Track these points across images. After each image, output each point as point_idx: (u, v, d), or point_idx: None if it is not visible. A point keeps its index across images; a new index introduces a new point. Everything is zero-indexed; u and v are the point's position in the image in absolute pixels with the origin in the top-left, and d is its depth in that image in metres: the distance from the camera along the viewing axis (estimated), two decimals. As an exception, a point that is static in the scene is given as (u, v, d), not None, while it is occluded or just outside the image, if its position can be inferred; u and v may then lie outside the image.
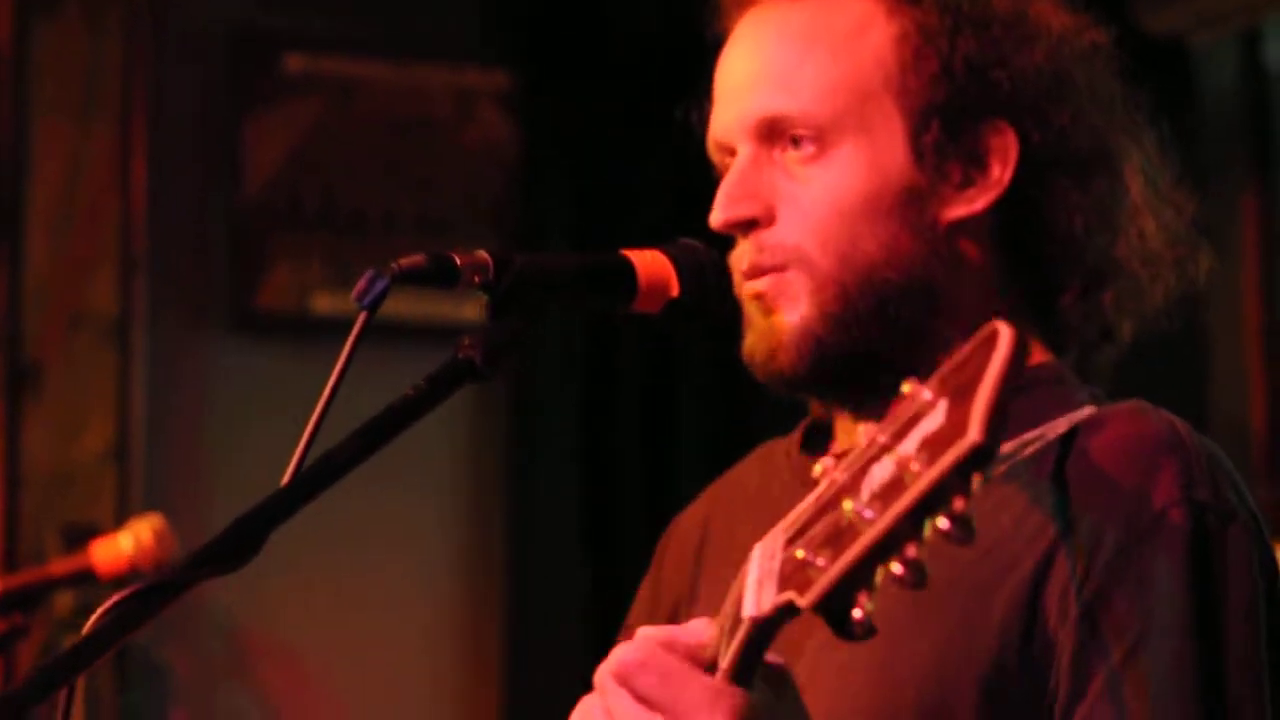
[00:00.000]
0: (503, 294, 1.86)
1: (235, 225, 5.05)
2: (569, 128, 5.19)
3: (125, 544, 3.21)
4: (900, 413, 1.45)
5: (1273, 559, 1.84)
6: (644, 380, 5.17)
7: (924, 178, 1.96)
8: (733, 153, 2.03)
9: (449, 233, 5.19)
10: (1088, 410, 1.90)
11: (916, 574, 1.41)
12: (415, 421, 1.84)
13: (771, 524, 1.72)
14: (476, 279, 1.86)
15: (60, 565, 3.26)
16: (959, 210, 1.97)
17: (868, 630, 1.46)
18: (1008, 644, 1.81)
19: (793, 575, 1.53)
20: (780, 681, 1.68)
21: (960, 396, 1.38)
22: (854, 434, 2.04)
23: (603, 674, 1.68)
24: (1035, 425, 1.87)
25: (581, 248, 1.90)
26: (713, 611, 1.72)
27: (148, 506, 4.68)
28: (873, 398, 1.99)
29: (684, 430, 5.18)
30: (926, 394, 1.42)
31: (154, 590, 1.73)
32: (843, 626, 1.48)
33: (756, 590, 1.59)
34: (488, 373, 1.84)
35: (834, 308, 1.95)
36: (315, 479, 1.80)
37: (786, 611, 1.55)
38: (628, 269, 1.94)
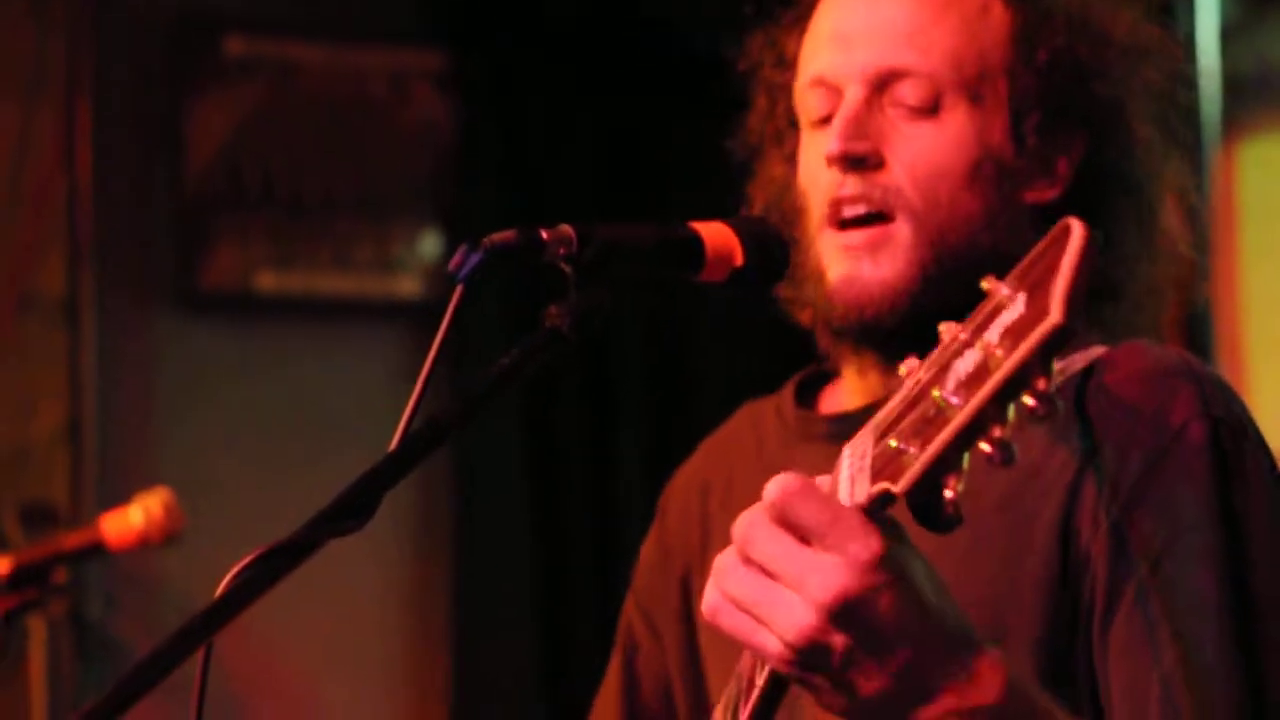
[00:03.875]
0: (586, 265, 1.97)
1: (179, 207, 5.09)
2: (503, 107, 5.26)
3: (135, 517, 3.23)
4: (980, 310, 1.54)
5: (1276, 470, 1.97)
6: (585, 378, 5.27)
7: (1018, 159, 2.10)
8: (836, 91, 2.13)
9: (386, 211, 5.27)
10: (1101, 349, 2.02)
11: (1005, 452, 1.49)
12: (511, 387, 1.94)
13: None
14: (561, 251, 1.96)
15: (72, 539, 3.29)
16: (1037, 195, 2.12)
17: (958, 513, 1.53)
18: (1050, 567, 1.93)
19: (885, 467, 1.60)
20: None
21: (1038, 287, 1.48)
22: (870, 384, 2.16)
23: (753, 516, 1.67)
24: None
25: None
26: None
27: (101, 484, 4.74)
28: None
29: (624, 417, 5.29)
30: (1005, 290, 1.52)
31: (278, 552, 1.81)
32: (933, 515, 1.55)
33: (850, 485, 1.65)
34: (574, 340, 1.95)
35: (933, 270, 2.07)
36: (420, 442, 1.89)
37: (882, 500, 1.61)
38: (697, 240, 2.04)
